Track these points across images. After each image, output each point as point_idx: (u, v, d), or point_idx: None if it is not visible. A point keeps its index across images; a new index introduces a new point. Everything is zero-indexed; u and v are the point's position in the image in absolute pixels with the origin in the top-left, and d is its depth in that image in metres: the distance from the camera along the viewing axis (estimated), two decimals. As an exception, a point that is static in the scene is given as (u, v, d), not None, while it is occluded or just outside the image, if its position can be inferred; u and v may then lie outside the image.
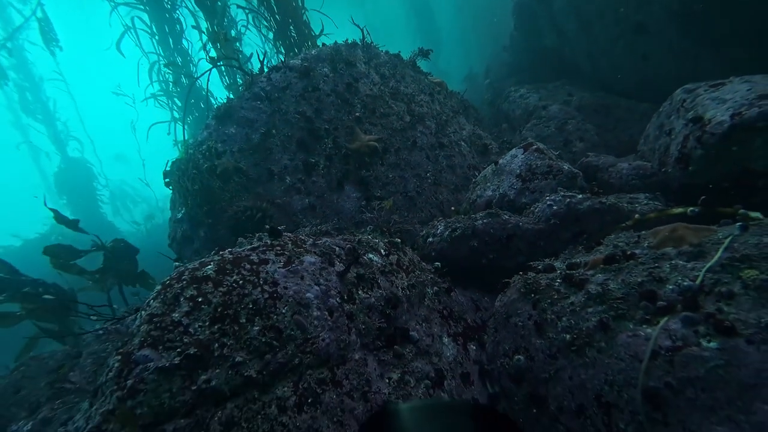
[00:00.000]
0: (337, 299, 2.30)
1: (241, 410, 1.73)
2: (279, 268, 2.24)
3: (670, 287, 2.20)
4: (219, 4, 8.27)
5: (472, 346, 3.03)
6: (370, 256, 2.75)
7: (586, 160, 4.07)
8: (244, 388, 1.80)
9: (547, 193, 3.59)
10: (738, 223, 2.26)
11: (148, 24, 9.70)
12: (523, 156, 4.01)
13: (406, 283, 2.83)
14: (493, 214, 3.48)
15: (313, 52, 5.98)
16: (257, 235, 2.66)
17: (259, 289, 2.07)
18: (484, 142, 6.28)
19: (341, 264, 2.51)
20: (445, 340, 2.83)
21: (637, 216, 3.12)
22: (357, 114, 5.34)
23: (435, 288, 3.11)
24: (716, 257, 2.16)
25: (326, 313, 2.20)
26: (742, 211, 2.59)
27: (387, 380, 2.22)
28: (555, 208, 3.30)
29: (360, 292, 2.45)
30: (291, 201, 4.71)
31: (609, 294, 2.37)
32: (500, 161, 4.24)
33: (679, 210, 2.98)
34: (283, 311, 2.06)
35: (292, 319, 2.06)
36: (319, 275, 2.35)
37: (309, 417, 1.84)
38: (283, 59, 5.98)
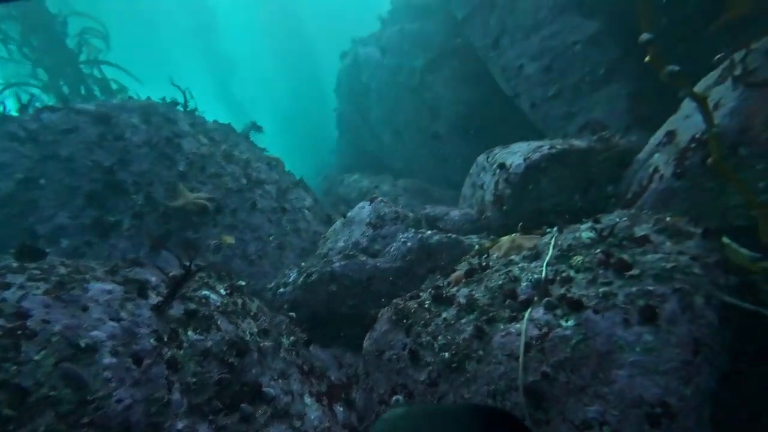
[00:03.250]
0: (151, 341, 1.49)
1: None
2: (36, 294, 1.35)
3: (524, 284, 2.30)
4: None
5: (338, 407, 2.43)
6: (206, 292, 2.03)
7: (424, 211, 4.44)
8: None
9: (398, 237, 3.62)
10: (555, 227, 2.67)
11: None
12: (371, 206, 4.07)
13: (255, 329, 2.15)
14: (351, 255, 3.24)
15: (114, 102, 5.15)
16: (-3, 257, 1.63)
17: (-15, 319, 1.14)
18: (327, 212, 6.27)
19: (158, 297, 1.73)
20: (308, 400, 2.18)
21: (477, 247, 3.41)
22: (181, 169, 4.61)
23: (292, 338, 2.48)
24: (549, 254, 2.42)
25: (129, 360, 1.37)
26: (547, 228, 3.12)
27: (232, 458, 1.44)
28: (409, 244, 3.31)
29: (190, 333, 1.68)
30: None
31: (477, 301, 2.32)
32: (349, 214, 4.19)
33: (506, 237, 3.42)
34: (36, 357, 1.17)
35: (56, 370, 1.18)
36: (120, 308, 1.52)
37: None
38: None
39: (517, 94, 5.40)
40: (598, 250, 1.90)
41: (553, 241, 2.53)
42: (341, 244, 3.96)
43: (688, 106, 2.33)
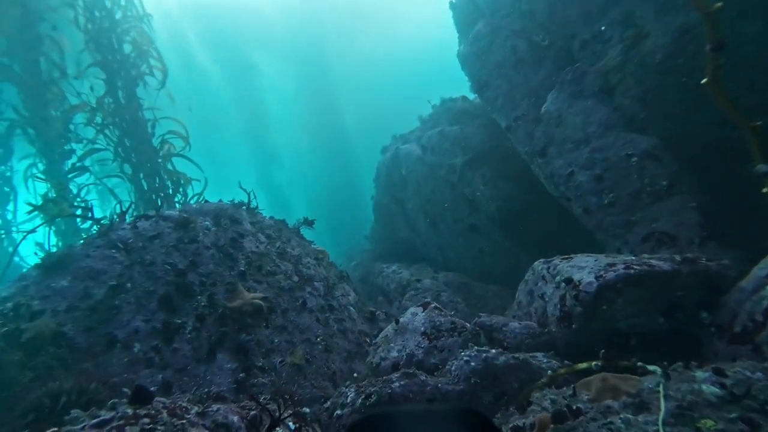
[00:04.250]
0: None
1: None
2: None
3: (640, 448, 2.00)
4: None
5: None
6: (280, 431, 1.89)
7: (479, 320, 4.20)
8: None
9: (455, 351, 3.41)
10: (659, 371, 2.39)
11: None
12: (424, 314, 3.93)
13: (326, 477, 1.95)
14: (411, 374, 3.03)
15: (194, 206, 5.56)
16: (110, 402, 1.61)
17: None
18: (370, 309, 6.13)
19: (242, 445, 1.61)
20: None
21: (550, 372, 3.12)
22: (241, 269, 4.74)
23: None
24: (663, 409, 2.08)
25: None
26: (640, 363, 2.78)
27: None
28: (473, 364, 3.08)
29: (271, 495, 1.53)
30: (136, 379, 3.38)
31: (577, 460, 2.02)
32: (401, 320, 4.04)
33: (585, 365, 3.10)
34: None
35: None
36: (210, 466, 1.41)
37: None
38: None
39: (568, 198, 5.42)
40: (734, 415, 1.65)
41: (663, 390, 2.24)
42: (394, 354, 3.76)
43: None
